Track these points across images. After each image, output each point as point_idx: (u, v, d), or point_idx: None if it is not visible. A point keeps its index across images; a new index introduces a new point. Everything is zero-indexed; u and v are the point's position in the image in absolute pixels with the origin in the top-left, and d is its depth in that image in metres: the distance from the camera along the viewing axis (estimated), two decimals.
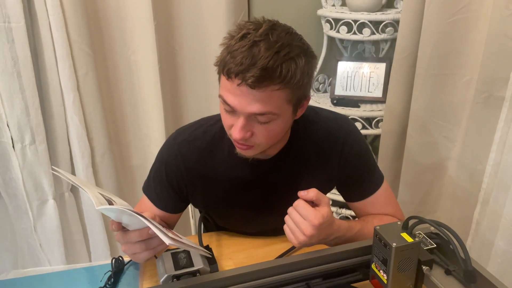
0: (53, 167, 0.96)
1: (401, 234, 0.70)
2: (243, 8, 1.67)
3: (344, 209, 1.87)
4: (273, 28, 0.76)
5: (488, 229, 1.27)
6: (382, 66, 1.73)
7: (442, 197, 1.56)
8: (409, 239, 0.69)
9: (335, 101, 1.75)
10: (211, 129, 0.95)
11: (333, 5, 1.75)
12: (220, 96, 0.79)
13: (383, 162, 1.70)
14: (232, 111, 0.79)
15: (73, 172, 1.62)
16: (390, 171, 1.69)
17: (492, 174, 1.25)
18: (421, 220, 0.70)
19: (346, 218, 1.86)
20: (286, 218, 0.80)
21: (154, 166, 0.99)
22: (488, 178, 1.27)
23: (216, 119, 0.97)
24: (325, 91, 1.91)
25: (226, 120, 0.82)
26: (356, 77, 1.77)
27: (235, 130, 0.79)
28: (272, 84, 0.74)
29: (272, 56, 0.72)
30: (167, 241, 0.69)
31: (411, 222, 0.72)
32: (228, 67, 0.74)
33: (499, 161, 1.22)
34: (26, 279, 1.02)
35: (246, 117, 0.77)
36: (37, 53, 1.44)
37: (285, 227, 0.81)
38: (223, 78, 0.77)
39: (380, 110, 1.70)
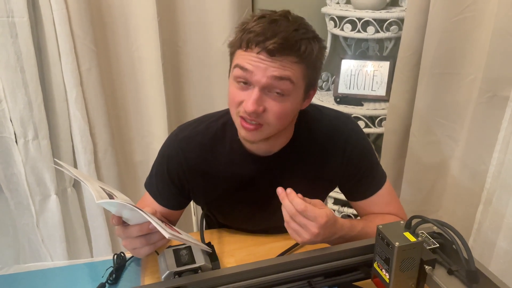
0: (55, 160, 0.96)
1: (404, 233, 0.70)
2: (247, 5, 1.67)
3: (346, 207, 1.87)
4: (289, 13, 0.80)
5: (491, 229, 1.26)
6: (386, 65, 1.73)
7: (444, 196, 1.56)
8: (412, 239, 0.69)
9: (338, 99, 1.75)
10: (212, 126, 0.95)
11: (338, 3, 1.74)
12: (236, 65, 0.78)
13: (386, 160, 1.69)
14: (245, 86, 0.78)
15: (75, 168, 1.62)
16: (393, 170, 1.69)
17: (495, 174, 1.25)
18: (424, 220, 0.70)
19: (348, 216, 1.86)
20: (288, 220, 0.79)
21: (156, 163, 0.99)
22: (491, 178, 1.27)
23: (218, 115, 0.97)
24: (328, 89, 1.91)
25: (236, 96, 0.80)
26: (360, 75, 1.76)
27: (247, 102, 0.77)
28: (291, 56, 0.76)
29: (292, 31, 0.75)
30: (166, 234, 0.69)
31: (414, 221, 0.71)
32: (247, 38, 0.76)
33: (502, 161, 1.22)
34: (28, 274, 1.02)
35: (261, 88, 0.77)
36: (40, 48, 1.44)
37: (287, 226, 0.80)
38: (240, 52, 0.78)
39: (383, 109, 1.69)
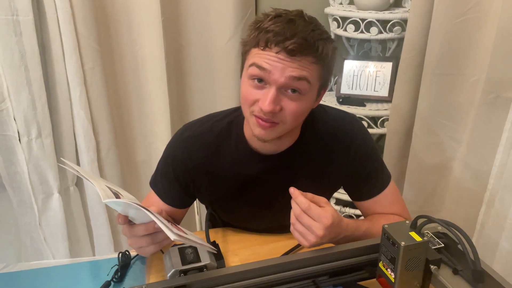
0: (61, 158, 0.96)
1: (410, 233, 0.70)
2: (250, 6, 1.67)
3: (347, 208, 1.87)
4: (304, 13, 0.80)
5: (493, 230, 1.26)
6: (388, 65, 1.73)
7: (446, 197, 1.56)
8: (418, 238, 0.69)
9: (340, 100, 1.75)
10: (218, 125, 0.95)
11: (341, 3, 1.74)
12: (253, 64, 0.78)
13: (388, 161, 1.69)
14: (260, 85, 0.78)
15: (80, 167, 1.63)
16: (395, 171, 1.69)
17: (498, 175, 1.25)
18: (430, 220, 0.70)
19: (349, 216, 1.86)
20: (294, 221, 0.79)
21: (161, 161, 0.99)
22: (493, 179, 1.27)
23: (223, 114, 0.97)
24: (331, 90, 1.91)
25: (251, 95, 0.80)
26: (362, 76, 1.76)
27: (264, 102, 0.77)
28: (310, 56, 0.76)
29: (310, 32, 0.75)
30: (172, 236, 0.69)
31: (419, 221, 0.72)
32: (266, 37, 0.75)
33: (505, 162, 1.22)
34: (31, 272, 1.03)
35: (278, 88, 0.77)
36: (44, 47, 1.44)
37: (292, 229, 0.80)
38: (256, 51, 0.78)
39: (385, 110, 1.69)
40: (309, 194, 0.79)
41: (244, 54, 0.82)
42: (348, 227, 0.83)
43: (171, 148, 0.97)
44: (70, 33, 1.39)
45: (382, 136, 1.80)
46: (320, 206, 0.78)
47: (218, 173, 0.95)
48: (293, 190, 0.79)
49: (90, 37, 1.44)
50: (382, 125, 1.72)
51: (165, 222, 0.74)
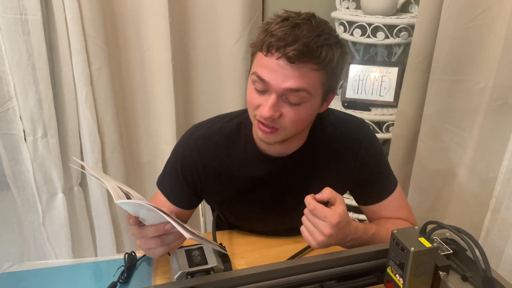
0: (73, 157, 0.96)
1: (419, 238, 0.70)
2: (258, 8, 1.67)
3: (351, 212, 1.87)
4: (314, 16, 0.79)
5: (499, 237, 1.26)
6: (394, 71, 1.73)
7: (451, 203, 1.56)
8: (427, 244, 0.69)
9: (346, 104, 1.75)
10: (227, 125, 0.95)
11: (348, 8, 1.75)
12: (253, 73, 0.79)
13: (393, 166, 1.66)
14: (263, 90, 0.79)
15: (82, 167, 1.62)
16: (400, 176, 1.68)
17: (504, 182, 1.25)
18: (440, 226, 0.70)
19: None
20: (303, 219, 0.80)
21: (169, 161, 0.99)
22: (500, 186, 1.27)
23: (233, 115, 0.97)
24: (336, 94, 1.91)
25: (254, 100, 0.81)
26: (368, 80, 1.76)
27: (264, 107, 0.78)
28: (311, 63, 0.75)
29: (314, 37, 0.74)
30: (186, 235, 0.69)
31: (429, 227, 0.71)
32: (268, 42, 0.75)
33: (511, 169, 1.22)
34: (35, 272, 1.02)
35: (278, 95, 0.77)
36: (52, 46, 1.44)
37: (302, 228, 0.80)
38: (260, 55, 0.78)
39: (391, 115, 1.69)
40: (328, 189, 0.79)
41: (252, 56, 0.82)
42: (357, 229, 0.83)
43: (180, 148, 0.97)
44: (78, 33, 1.39)
45: (387, 141, 1.80)
46: (334, 204, 0.78)
47: (227, 174, 0.95)
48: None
49: (98, 37, 1.44)
50: (387, 130, 1.72)
51: (179, 221, 0.74)
